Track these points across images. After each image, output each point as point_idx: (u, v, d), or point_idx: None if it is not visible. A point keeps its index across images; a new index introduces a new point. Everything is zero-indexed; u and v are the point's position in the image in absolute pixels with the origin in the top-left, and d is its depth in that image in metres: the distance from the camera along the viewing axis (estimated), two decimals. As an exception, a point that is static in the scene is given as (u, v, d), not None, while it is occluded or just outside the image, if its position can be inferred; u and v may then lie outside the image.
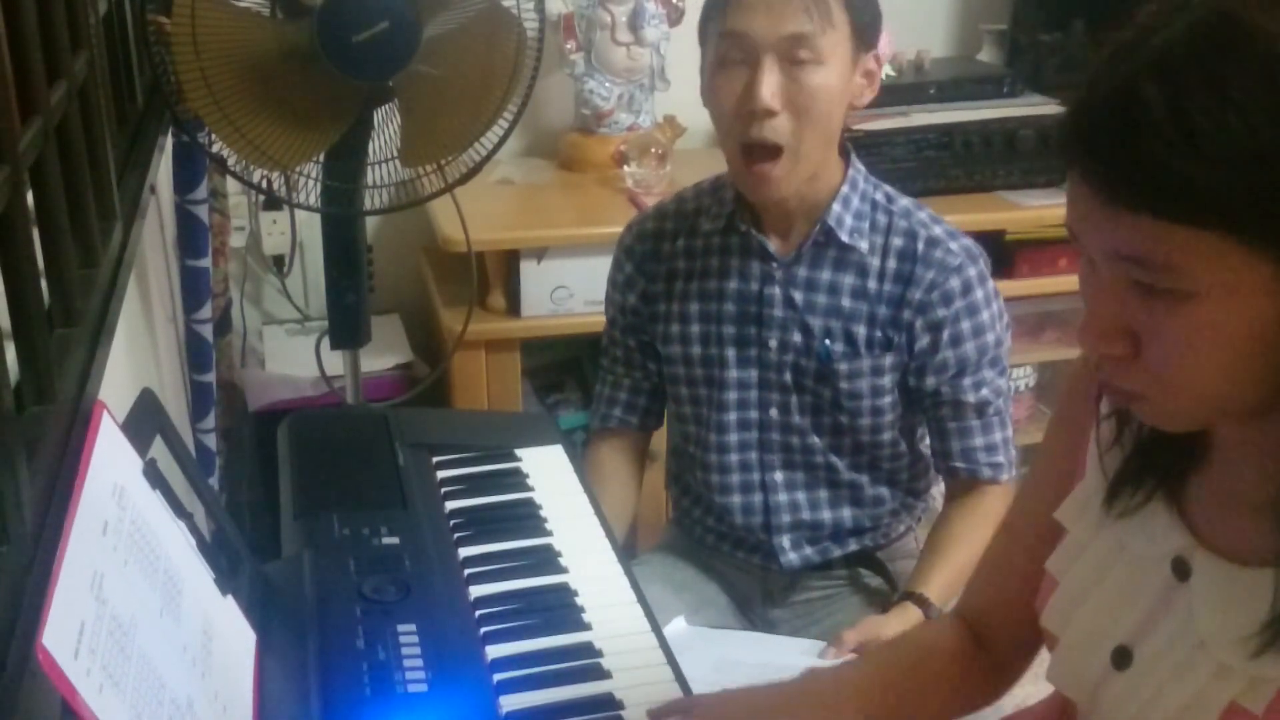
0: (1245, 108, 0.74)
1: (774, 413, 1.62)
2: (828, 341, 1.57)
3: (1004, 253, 2.52)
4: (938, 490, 1.79)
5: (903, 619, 1.52)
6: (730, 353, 1.62)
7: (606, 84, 2.71)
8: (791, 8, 1.44)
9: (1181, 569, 0.93)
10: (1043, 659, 1.11)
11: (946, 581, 1.57)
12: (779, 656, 1.50)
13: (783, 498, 1.65)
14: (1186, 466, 0.96)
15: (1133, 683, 0.96)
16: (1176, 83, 0.75)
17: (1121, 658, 0.97)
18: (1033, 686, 1.22)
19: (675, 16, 2.72)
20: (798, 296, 1.58)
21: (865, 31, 1.50)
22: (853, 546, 1.69)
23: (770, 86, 1.45)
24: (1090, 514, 1.02)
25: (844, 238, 1.56)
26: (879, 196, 1.59)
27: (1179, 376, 0.82)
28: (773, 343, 1.60)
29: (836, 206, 1.56)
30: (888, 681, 1.18)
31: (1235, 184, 0.74)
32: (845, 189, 1.56)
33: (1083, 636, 1.01)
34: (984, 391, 1.59)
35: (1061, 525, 1.05)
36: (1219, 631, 0.89)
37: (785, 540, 1.67)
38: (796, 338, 1.59)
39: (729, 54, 1.48)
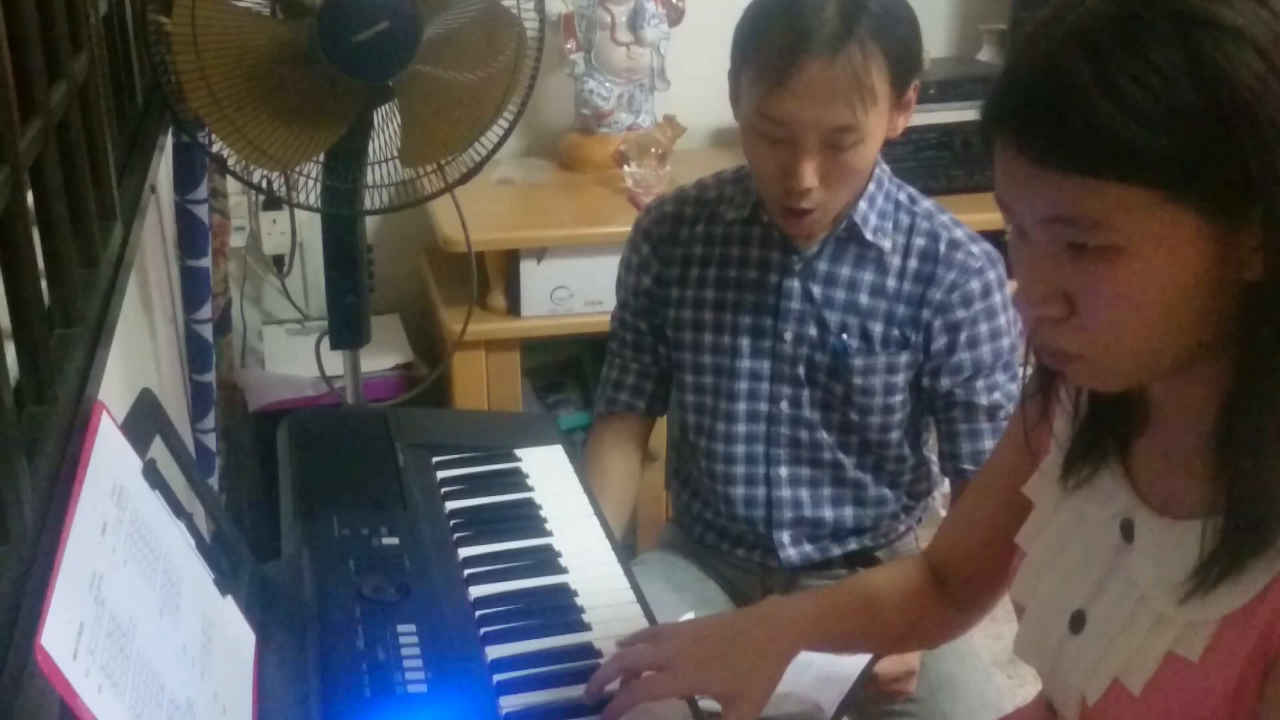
0: (1164, 69, 0.79)
1: (784, 405, 1.62)
2: (844, 336, 1.58)
3: (1002, 253, 2.50)
4: (939, 493, 1.79)
5: None
6: (744, 342, 1.62)
7: (606, 84, 2.70)
8: (837, 102, 1.41)
9: (1128, 530, 0.97)
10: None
11: None
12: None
13: (786, 493, 1.65)
14: (1131, 431, 0.99)
15: (1085, 644, 0.99)
16: (1099, 50, 0.80)
17: (1076, 622, 1.00)
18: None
19: (675, 16, 2.72)
20: (816, 290, 1.59)
21: (905, 72, 1.47)
22: (852, 545, 1.69)
23: (811, 171, 1.44)
24: (1053, 487, 1.05)
25: (868, 236, 1.56)
26: (902, 197, 1.60)
27: (1112, 332, 0.86)
28: (788, 335, 1.60)
29: (862, 204, 1.56)
30: (836, 609, 1.23)
31: (1160, 140, 0.79)
32: (871, 188, 1.57)
33: (1045, 605, 1.04)
34: (996, 395, 1.60)
35: (1028, 500, 1.09)
36: (1155, 583, 0.93)
37: (785, 536, 1.67)
38: (812, 331, 1.59)
39: (768, 131, 1.45)
